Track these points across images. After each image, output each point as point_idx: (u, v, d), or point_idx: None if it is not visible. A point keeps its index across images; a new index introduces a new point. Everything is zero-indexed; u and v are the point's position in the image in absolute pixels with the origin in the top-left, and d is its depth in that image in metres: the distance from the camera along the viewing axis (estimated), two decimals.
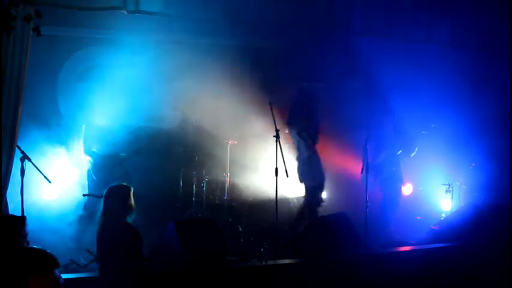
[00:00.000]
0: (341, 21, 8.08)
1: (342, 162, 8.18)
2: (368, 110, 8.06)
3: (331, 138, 8.63)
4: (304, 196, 7.32)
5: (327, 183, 8.36)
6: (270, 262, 5.93)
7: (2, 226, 3.63)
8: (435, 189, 8.37)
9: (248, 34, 8.48)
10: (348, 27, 8.21)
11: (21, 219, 3.77)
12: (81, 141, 6.67)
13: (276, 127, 6.30)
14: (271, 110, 6.39)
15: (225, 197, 7.58)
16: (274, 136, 6.28)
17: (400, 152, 7.08)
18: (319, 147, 7.68)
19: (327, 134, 8.86)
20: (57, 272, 2.01)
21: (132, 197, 4.75)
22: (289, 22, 8.04)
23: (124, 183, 4.97)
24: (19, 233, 3.64)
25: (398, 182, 7.22)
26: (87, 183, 6.60)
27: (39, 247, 2.12)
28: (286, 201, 7.59)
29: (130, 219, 4.72)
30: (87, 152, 6.53)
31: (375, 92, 8.45)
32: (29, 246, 3.64)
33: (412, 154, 7.15)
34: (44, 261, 1.99)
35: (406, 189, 8.20)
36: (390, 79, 7.96)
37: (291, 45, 8.68)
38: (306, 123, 7.22)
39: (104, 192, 4.80)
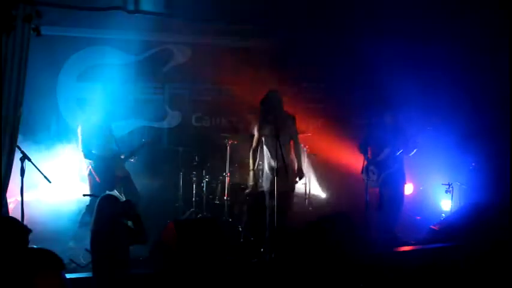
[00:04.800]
0: (342, 21, 8.07)
1: (342, 162, 8.20)
2: (369, 109, 8.08)
3: (332, 138, 8.66)
4: None
5: (327, 183, 8.38)
6: (270, 262, 5.93)
7: (10, 227, 3.63)
8: (435, 189, 8.37)
9: (249, 34, 8.49)
10: (349, 27, 8.20)
11: (26, 231, 3.77)
12: (80, 145, 6.50)
13: (276, 126, 6.29)
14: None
15: (225, 197, 7.58)
16: (274, 136, 6.27)
17: (401, 151, 7.07)
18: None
19: (329, 133, 8.90)
20: (63, 274, 1.99)
21: (120, 206, 4.84)
22: (290, 22, 8.04)
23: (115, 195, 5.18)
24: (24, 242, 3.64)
25: (401, 179, 7.21)
26: (88, 183, 6.58)
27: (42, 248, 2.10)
28: None
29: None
30: (88, 156, 6.47)
31: (376, 91, 8.46)
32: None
33: (411, 154, 7.13)
34: (51, 262, 1.97)
35: (407, 189, 8.19)
36: (391, 78, 7.96)
37: (291, 45, 8.68)
38: None
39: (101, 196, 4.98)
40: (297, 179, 6.50)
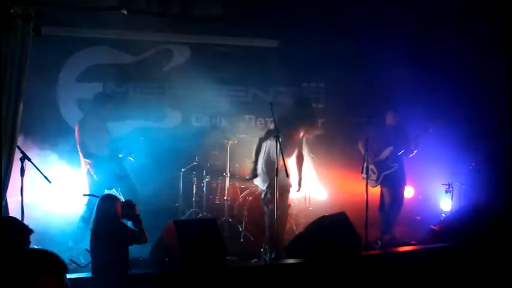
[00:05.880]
0: (342, 21, 8.08)
1: (342, 162, 8.19)
2: (370, 108, 8.07)
3: (332, 138, 8.65)
4: None
5: (327, 183, 8.37)
6: (270, 262, 5.93)
7: (11, 227, 3.63)
8: (435, 189, 8.36)
9: (249, 34, 8.48)
10: (350, 26, 8.20)
11: (28, 231, 3.77)
12: (79, 145, 6.53)
13: (276, 127, 6.29)
14: (272, 110, 6.37)
15: (225, 197, 7.57)
16: (274, 136, 6.27)
17: (402, 151, 7.07)
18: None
19: (329, 133, 8.89)
20: (65, 276, 1.96)
21: (120, 206, 4.89)
22: (290, 22, 8.05)
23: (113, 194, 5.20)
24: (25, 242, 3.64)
25: (401, 179, 7.21)
26: (87, 183, 6.58)
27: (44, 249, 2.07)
28: None
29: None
30: (87, 155, 6.48)
31: (376, 91, 8.45)
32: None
33: (411, 155, 7.13)
34: (52, 264, 1.94)
35: (407, 192, 8.20)
36: (391, 79, 7.96)
37: (291, 45, 8.68)
38: None
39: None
40: (297, 188, 6.59)
